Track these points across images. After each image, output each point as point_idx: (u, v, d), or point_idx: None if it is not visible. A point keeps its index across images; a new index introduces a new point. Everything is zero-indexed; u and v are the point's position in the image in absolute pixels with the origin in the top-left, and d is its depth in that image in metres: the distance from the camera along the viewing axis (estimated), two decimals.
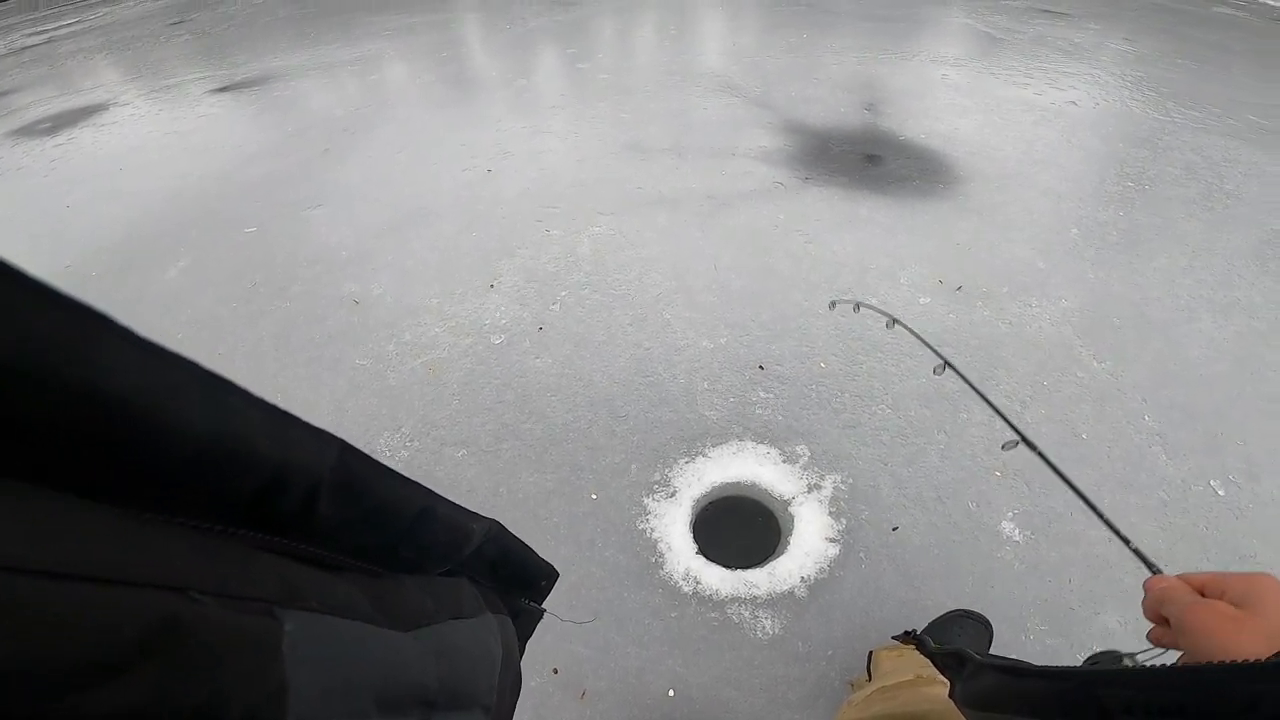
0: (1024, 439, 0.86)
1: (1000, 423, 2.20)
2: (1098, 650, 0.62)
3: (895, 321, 1.29)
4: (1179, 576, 0.53)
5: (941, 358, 1.04)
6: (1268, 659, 0.36)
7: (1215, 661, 0.38)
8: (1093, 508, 0.75)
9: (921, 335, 1.20)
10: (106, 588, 0.21)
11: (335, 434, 0.34)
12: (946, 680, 0.73)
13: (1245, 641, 0.43)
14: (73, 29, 10.12)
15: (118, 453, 0.24)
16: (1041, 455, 0.84)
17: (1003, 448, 0.88)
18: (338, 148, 4.58)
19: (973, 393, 2.30)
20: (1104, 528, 1.93)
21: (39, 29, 10.55)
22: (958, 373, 1.02)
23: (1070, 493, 1.99)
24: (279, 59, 6.90)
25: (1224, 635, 0.44)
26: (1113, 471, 2.09)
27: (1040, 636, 1.71)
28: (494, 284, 3.01)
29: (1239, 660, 0.37)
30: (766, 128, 4.33)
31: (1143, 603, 0.54)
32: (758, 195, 3.55)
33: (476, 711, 0.49)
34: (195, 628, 0.23)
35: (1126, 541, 0.68)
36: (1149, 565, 0.61)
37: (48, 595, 0.19)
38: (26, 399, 0.20)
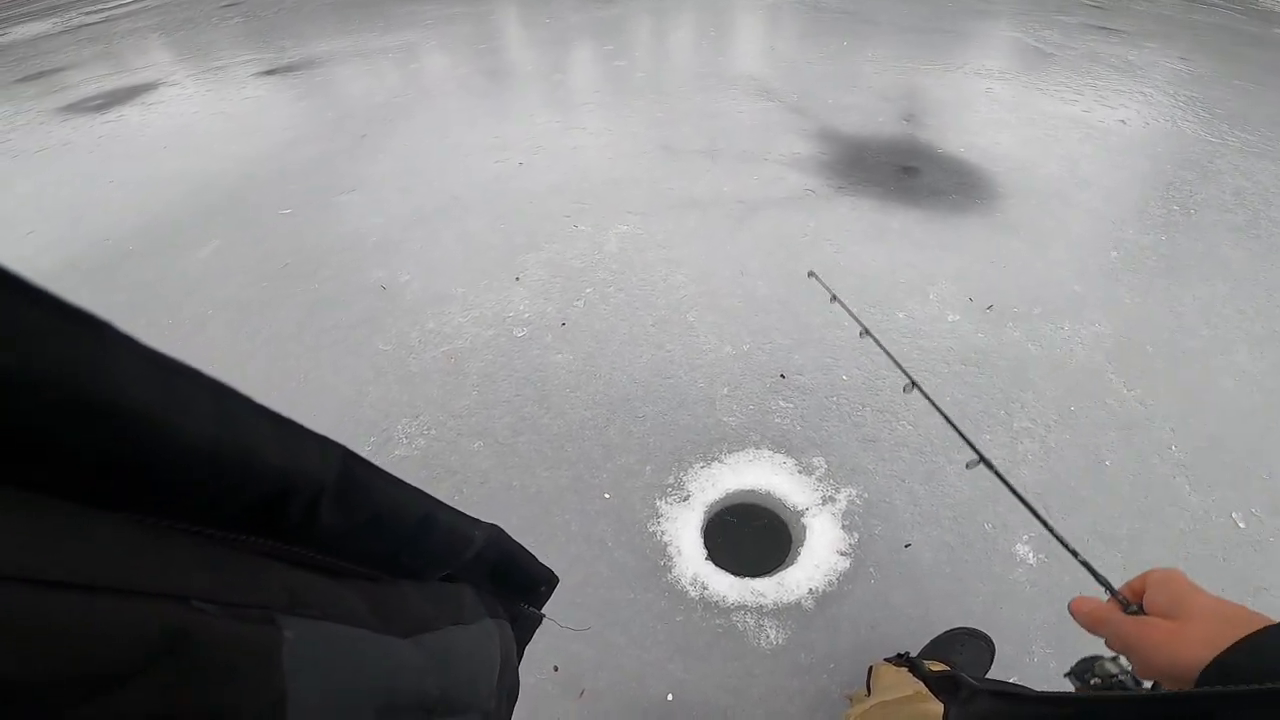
0: (982, 458, 0.87)
1: (1023, 444, 2.17)
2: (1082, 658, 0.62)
3: (866, 332, 1.29)
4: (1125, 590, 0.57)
5: (909, 377, 1.04)
6: (1264, 687, 0.36)
7: (1204, 686, 0.38)
8: (1042, 521, 0.75)
9: (890, 351, 1.20)
10: (111, 598, 0.21)
11: (354, 422, 0.35)
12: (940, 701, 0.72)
13: (1188, 651, 0.45)
14: (130, 8, 10.37)
15: (129, 463, 0.24)
16: (998, 473, 0.86)
17: (966, 466, 0.89)
18: (374, 134, 4.64)
19: (998, 416, 2.27)
20: (1119, 554, 1.89)
21: (97, 7, 10.84)
22: (923, 393, 1.02)
23: (1089, 518, 1.95)
24: (324, 44, 7.01)
25: (1169, 648, 0.47)
26: (1134, 500, 2.04)
27: (1044, 659, 1.68)
28: (519, 277, 3.02)
29: (1236, 688, 0.37)
30: (801, 134, 4.29)
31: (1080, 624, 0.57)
32: (789, 202, 3.53)
33: (475, 716, 0.50)
34: (198, 637, 0.23)
35: (1075, 553, 0.69)
36: (1097, 578, 0.63)
37: (53, 606, 0.19)
38: (42, 412, 0.21)
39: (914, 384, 1.04)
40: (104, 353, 0.22)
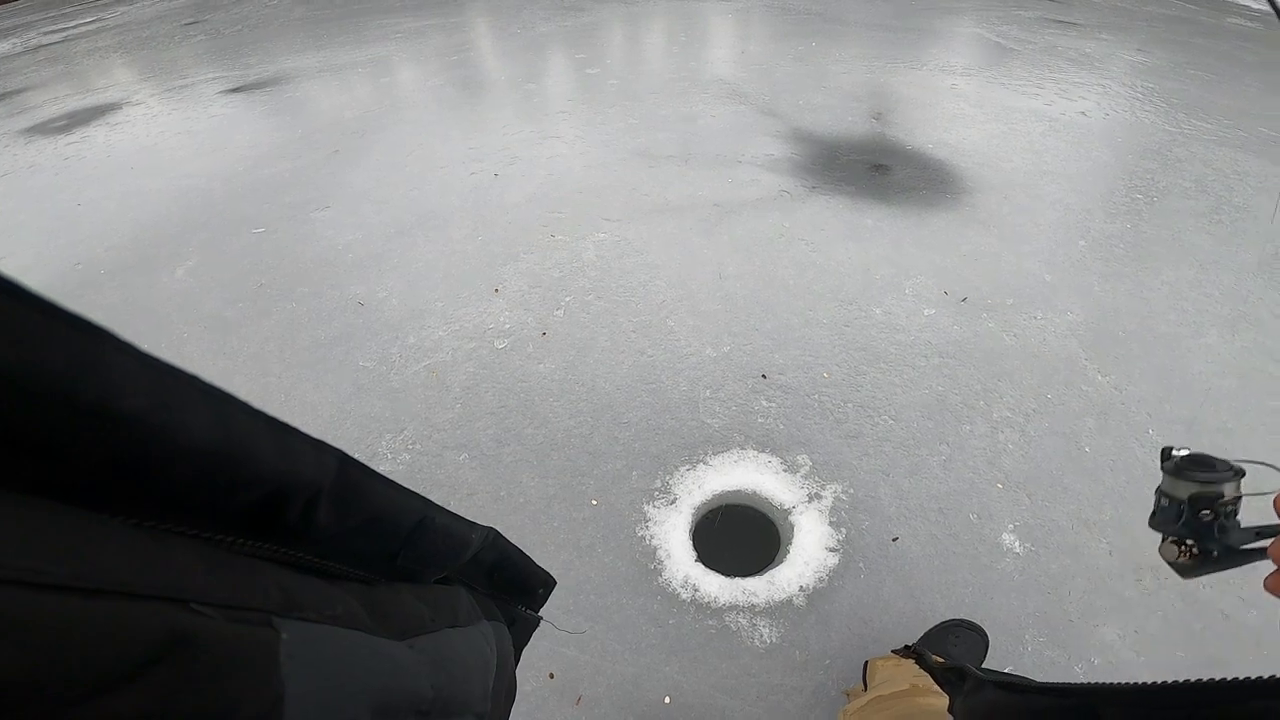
0: None
1: (1003, 434, 2.19)
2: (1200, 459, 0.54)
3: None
4: None
5: None
6: (1268, 676, 0.37)
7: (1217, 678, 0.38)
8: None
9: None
10: (112, 600, 0.21)
11: (336, 439, 0.35)
12: (944, 693, 0.73)
13: None
14: (89, 28, 10.20)
15: (125, 466, 0.24)
16: None
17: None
18: (347, 150, 4.61)
19: (978, 406, 2.30)
20: (1104, 540, 1.92)
21: (56, 27, 10.65)
22: None
23: (1073, 505, 1.98)
24: (291, 60, 6.95)
25: None
26: (1115, 485, 2.08)
27: (1039, 648, 1.70)
28: (498, 288, 3.02)
29: (1239, 677, 0.37)
30: (774, 136, 4.33)
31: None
32: (764, 203, 3.56)
33: (469, 719, 0.50)
34: (196, 640, 0.24)
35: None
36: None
37: (51, 608, 0.19)
38: (39, 417, 0.21)
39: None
40: (100, 357, 0.22)
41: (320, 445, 0.34)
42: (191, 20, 9.72)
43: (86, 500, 0.23)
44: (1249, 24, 6.87)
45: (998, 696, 0.57)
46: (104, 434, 0.23)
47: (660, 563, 1.92)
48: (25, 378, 0.20)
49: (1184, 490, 0.52)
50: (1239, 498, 0.51)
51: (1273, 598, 0.44)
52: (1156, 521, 0.54)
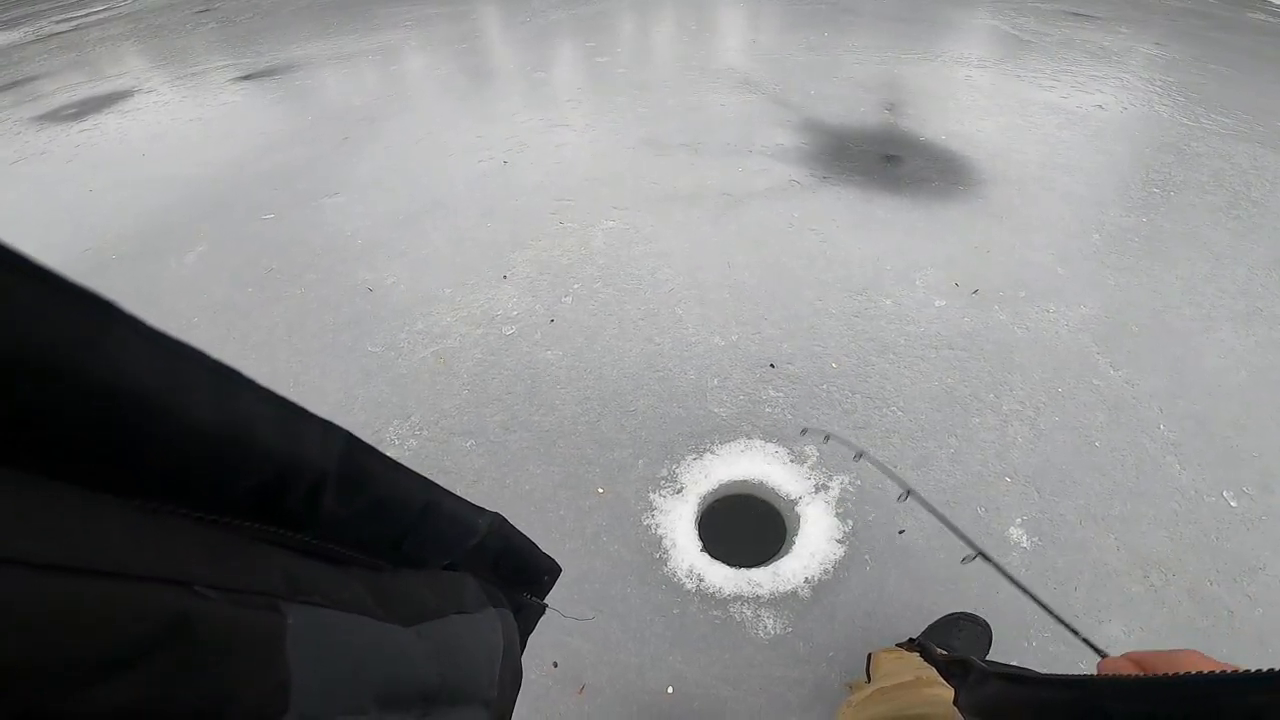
0: (980, 553, 0.90)
1: (1012, 427, 2.17)
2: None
3: (861, 455, 1.33)
4: (1127, 657, 0.51)
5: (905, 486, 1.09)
6: (1270, 669, 0.36)
7: (1215, 671, 0.38)
8: (1056, 615, 0.77)
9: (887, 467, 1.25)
10: (114, 582, 0.21)
11: (344, 425, 0.34)
12: (949, 685, 0.72)
13: None
14: (100, 16, 10.23)
15: (130, 446, 0.24)
16: (996, 565, 0.87)
17: (962, 561, 0.91)
18: (356, 137, 4.60)
19: (987, 399, 2.28)
20: (1112, 536, 1.90)
21: (67, 15, 10.68)
22: (922, 501, 1.05)
23: (1081, 500, 1.96)
24: (301, 48, 6.95)
25: None
26: (1125, 480, 2.06)
27: (1044, 643, 1.69)
28: (507, 275, 3.01)
29: (1241, 670, 0.37)
30: (784, 126, 4.30)
31: None
32: (773, 193, 3.53)
33: (477, 706, 0.49)
34: (201, 623, 0.23)
35: (1075, 632, 0.70)
36: (1095, 650, 0.61)
37: (53, 590, 0.19)
38: (43, 393, 0.20)
39: (909, 493, 1.07)
40: (106, 333, 0.22)
41: (327, 426, 0.33)
42: (203, 8, 9.73)
43: (87, 480, 0.23)
44: (1270, 19, 6.77)
45: (1002, 688, 0.57)
46: (107, 412, 0.22)
47: (666, 552, 1.92)
48: (27, 354, 0.19)
49: None
50: None
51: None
52: None
